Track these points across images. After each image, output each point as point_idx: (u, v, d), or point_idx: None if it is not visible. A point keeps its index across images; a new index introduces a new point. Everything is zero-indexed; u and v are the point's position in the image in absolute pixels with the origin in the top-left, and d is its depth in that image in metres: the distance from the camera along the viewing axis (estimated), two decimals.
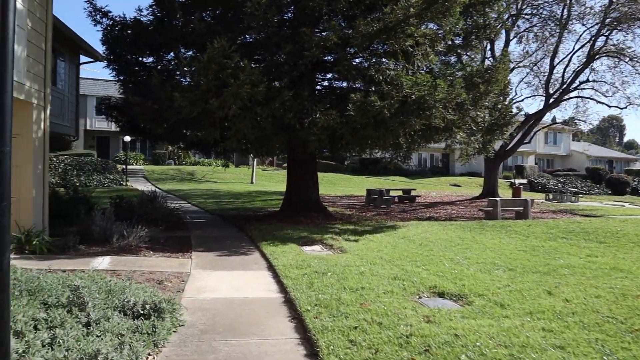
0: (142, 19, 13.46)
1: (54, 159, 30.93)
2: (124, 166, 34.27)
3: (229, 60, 10.45)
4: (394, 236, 11.56)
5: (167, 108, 11.18)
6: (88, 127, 42.34)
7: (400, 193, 25.89)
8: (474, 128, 13.18)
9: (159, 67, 13.66)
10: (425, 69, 13.04)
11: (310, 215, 14.70)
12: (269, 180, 39.12)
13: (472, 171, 50.49)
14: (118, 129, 16.28)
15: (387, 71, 11.77)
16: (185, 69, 11.15)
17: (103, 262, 8.09)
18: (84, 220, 10.63)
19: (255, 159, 37.50)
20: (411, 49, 12.01)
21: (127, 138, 32.57)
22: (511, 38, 27.11)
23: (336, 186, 36.86)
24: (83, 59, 18.21)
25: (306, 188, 15.69)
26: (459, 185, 44.19)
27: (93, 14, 13.16)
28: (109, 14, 13.30)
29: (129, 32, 13.43)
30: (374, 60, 12.18)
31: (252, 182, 36.34)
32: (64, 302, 4.76)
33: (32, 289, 5.09)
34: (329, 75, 14.97)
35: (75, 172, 30.56)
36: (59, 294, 4.99)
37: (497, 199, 17.36)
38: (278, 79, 11.82)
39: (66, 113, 16.41)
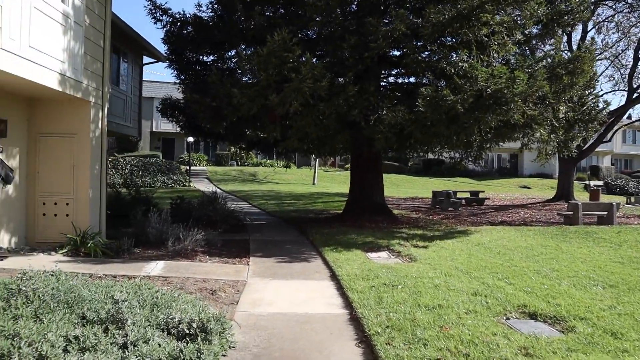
0: (201, 15, 13.12)
1: (121, 160, 31.64)
2: (188, 167, 34.61)
3: (290, 53, 9.84)
4: (467, 242, 10.59)
5: (226, 105, 10.72)
6: (154, 129, 43.27)
7: (467, 195, 24.70)
8: (556, 124, 11.95)
9: (218, 65, 13.26)
10: (500, 60, 11.96)
11: (374, 219, 13.89)
12: (331, 182, 38.52)
13: (542, 172, 47.97)
14: (179, 129, 16.06)
15: (460, 63, 10.80)
16: (245, 65, 10.63)
17: (156, 268, 7.64)
18: (141, 221, 10.32)
19: (317, 160, 37.03)
20: (486, 39, 11.00)
21: (191, 139, 32.89)
22: (589, 29, 25.23)
23: (399, 187, 35.82)
24: (146, 60, 18.15)
25: (370, 190, 14.89)
26: (528, 187, 42.00)
27: (153, 11, 12.94)
28: (169, 11, 13.03)
29: (189, 29, 13.13)
30: (445, 51, 11.20)
31: (313, 183, 35.84)
32: (103, 317, 4.23)
33: (71, 300, 4.60)
34: (394, 71, 14.13)
35: (140, 173, 31.08)
36: (98, 307, 4.47)
37: (578, 202, 15.93)
38: (342, 74, 11.10)
39: (129, 114, 16.33)
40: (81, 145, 9.38)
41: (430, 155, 18.30)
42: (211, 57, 14.35)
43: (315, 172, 37.01)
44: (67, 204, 9.36)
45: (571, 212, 15.44)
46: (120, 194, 15.45)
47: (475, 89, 10.07)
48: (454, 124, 10.39)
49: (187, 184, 30.93)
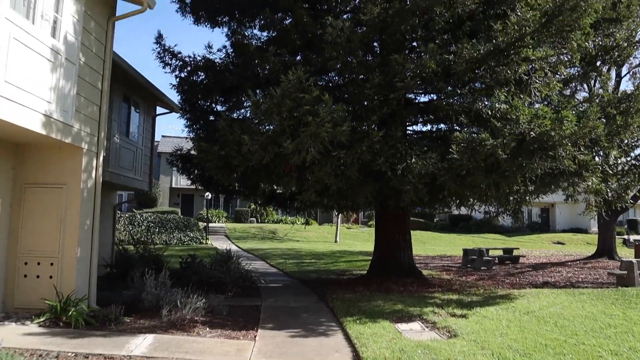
0: (212, 57, 12.30)
1: (138, 216, 30.89)
2: (206, 224, 33.65)
3: (307, 94, 8.77)
4: (514, 311, 9.05)
5: (236, 154, 9.63)
6: (173, 185, 42.71)
7: (500, 253, 23.03)
8: (610, 171, 10.54)
9: (228, 113, 12.29)
10: (541, 100, 10.74)
11: (402, 281, 12.40)
12: (354, 239, 37.04)
13: (576, 227, 45.74)
14: (190, 183, 15.02)
15: (497, 104, 9.59)
16: (257, 109, 9.57)
17: (142, 344, 6.31)
18: (138, 284, 9.08)
19: (340, 216, 35.71)
20: (525, 77, 9.84)
21: (209, 195, 32.10)
22: (623, 74, 24.00)
23: (426, 245, 34.15)
24: (159, 110, 17.43)
25: (397, 248, 13.45)
26: (562, 243, 39.84)
27: (161, 54, 12.15)
28: (178, 55, 12.22)
29: (201, 74, 12.29)
30: (481, 91, 10.04)
31: (336, 241, 34.40)
32: None
33: None
34: (422, 119, 12.95)
35: (157, 230, 30.24)
36: None
37: (632, 260, 14.22)
38: (365, 118, 9.96)
39: (139, 166, 15.41)
40: (70, 197, 8.28)
41: (463, 210, 16.83)
42: (224, 107, 13.47)
43: (337, 229, 35.61)
44: (52, 264, 8.17)
45: (625, 272, 13.73)
46: (127, 252, 14.33)
47: (517, 132, 8.83)
48: (494, 173, 9.08)
49: (203, 242, 29.82)
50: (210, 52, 12.28)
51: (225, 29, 12.99)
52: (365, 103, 10.25)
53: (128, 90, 13.94)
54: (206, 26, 12.87)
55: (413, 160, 9.52)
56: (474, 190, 9.83)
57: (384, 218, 13.77)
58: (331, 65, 10.10)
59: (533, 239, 41.61)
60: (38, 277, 8.16)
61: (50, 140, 7.74)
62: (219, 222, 40.83)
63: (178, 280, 10.80)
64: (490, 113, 9.68)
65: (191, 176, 14.08)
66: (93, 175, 8.73)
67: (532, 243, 38.70)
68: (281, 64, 10.33)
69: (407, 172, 9.41)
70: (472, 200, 11.54)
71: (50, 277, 8.13)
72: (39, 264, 8.19)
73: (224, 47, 12.42)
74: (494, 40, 9.11)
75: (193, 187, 31.89)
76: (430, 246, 33.49)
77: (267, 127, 9.90)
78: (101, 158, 8.98)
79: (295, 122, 8.99)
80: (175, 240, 29.17)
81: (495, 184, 9.36)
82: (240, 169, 9.97)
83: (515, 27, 8.90)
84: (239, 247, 27.07)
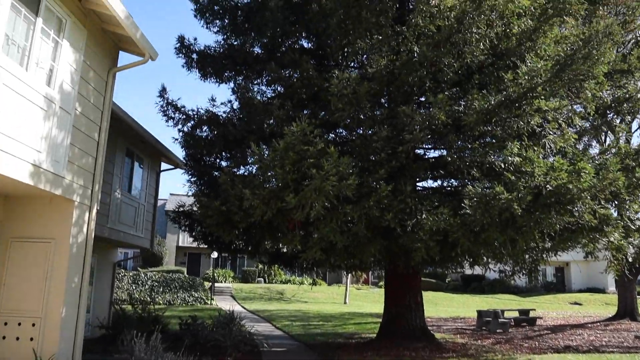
0: (215, 110, 12.16)
1: (142, 275, 30.26)
2: (212, 284, 32.89)
3: (311, 147, 8.43)
4: None
5: (237, 209, 9.21)
6: (180, 244, 42.16)
7: (515, 314, 22.06)
8: (631, 226, 10.00)
9: (229, 166, 11.98)
10: (555, 153, 10.35)
11: (414, 345, 11.64)
12: (363, 300, 35.97)
13: (593, 286, 44.33)
14: (192, 240, 14.56)
15: (510, 157, 9.18)
16: (259, 161, 9.21)
17: None
18: (127, 348, 8.46)
19: (349, 277, 34.78)
20: (539, 128, 9.48)
21: (215, 255, 31.53)
22: (634, 130, 23.72)
23: (438, 306, 32.99)
24: (164, 166, 17.22)
25: (408, 310, 12.74)
26: (580, 304, 38.38)
27: (164, 108, 11.99)
28: (182, 109, 12.06)
29: (204, 128, 12.08)
30: (494, 143, 9.65)
31: (345, 302, 33.33)
32: None
33: None
34: (431, 174, 12.56)
35: (161, 289, 29.52)
36: None
37: None
38: (372, 172, 9.55)
39: (140, 222, 15.01)
40: (58, 253, 7.76)
41: (476, 270, 16.14)
42: (228, 162, 13.20)
43: (346, 290, 34.59)
44: (34, 324, 7.56)
45: None
46: (125, 312, 13.72)
47: (532, 185, 8.38)
48: (509, 228, 8.57)
49: (208, 302, 28.98)
50: (214, 105, 12.18)
51: (231, 84, 12.91)
52: (373, 157, 9.90)
53: (131, 145, 13.75)
54: (212, 82, 12.81)
55: (424, 215, 9.06)
56: (488, 247, 9.30)
57: (394, 278, 13.16)
58: (338, 118, 9.81)
59: (549, 300, 40.24)
60: (18, 339, 7.55)
61: (39, 192, 7.36)
62: (225, 282, 39.95)
63: (174, 343, 10.17)
64: (503, 166, 9.27)
65: (193, 233, 13.65)
66: (85, 229, 8.28)
67: (548, 304, 37.37)
68: (286, 117, 10.07)
69: (418, 229, 8.95)
70: (486, 258, 10.98)
71: (31, 339, 7.53)
72: (19, 324, 7.61)
73: (229, 101, 12.32)
74: (505, 92, 8.82)
75: (200, 245, 31.30)
76: (443, 307, 32.36)
77: (267, 180, 9.51)
78: (94, 212, 8.55)
79: (299, 176, 8.63)
80: (179, 300, 28.42)
81: (511, 241, 8.86)
82: (242, 225, 9.56)
83: (526, 77, 8.62)
84: (245, 308, 26.25)
